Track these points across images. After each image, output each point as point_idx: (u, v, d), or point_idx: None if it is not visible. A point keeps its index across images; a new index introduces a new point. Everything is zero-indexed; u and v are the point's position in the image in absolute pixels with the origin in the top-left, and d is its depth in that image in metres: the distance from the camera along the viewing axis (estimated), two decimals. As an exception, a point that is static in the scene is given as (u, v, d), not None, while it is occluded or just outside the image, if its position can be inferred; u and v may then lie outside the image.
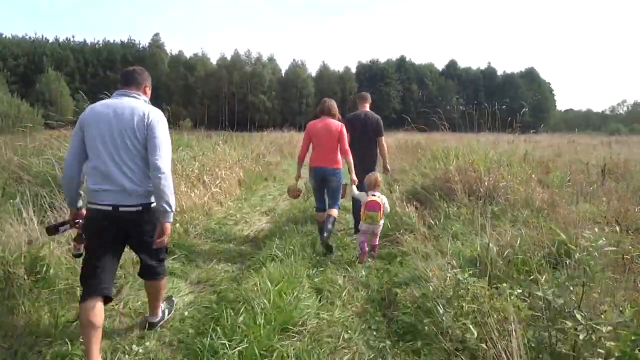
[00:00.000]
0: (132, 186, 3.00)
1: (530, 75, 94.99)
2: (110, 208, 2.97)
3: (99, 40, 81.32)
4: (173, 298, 3.93)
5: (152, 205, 3.09)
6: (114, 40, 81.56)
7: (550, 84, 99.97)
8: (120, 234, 3.08)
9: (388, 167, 6.86)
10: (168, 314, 3.64)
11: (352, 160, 5.50)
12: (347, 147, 5.47)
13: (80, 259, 3.13)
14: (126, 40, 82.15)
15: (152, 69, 73.75)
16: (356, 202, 6.05)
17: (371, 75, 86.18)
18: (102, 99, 3.29)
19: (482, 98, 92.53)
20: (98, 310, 2.87)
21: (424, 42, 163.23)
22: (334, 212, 5.49)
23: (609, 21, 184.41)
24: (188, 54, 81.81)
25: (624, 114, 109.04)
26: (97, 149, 2.99)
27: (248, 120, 69.83)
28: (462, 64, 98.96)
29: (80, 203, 3.23)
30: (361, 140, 6.25)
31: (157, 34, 79.43)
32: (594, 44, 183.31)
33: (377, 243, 5.34)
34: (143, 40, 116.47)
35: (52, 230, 3.26)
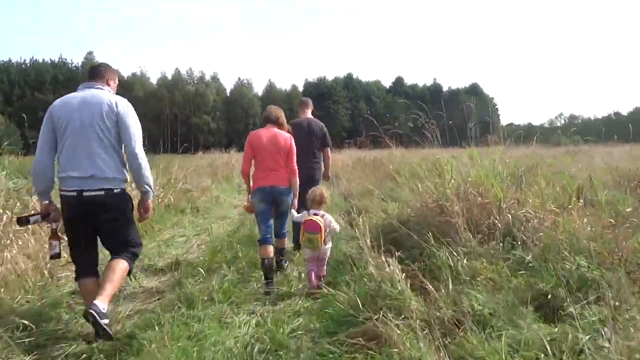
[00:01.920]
0: (99, 172, 3.10)
1: (474, 90, 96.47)
2: (75, 194, 3.09)
3: (25, 60, 74.91)
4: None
5: (116, 192, 3.18)
6: (43, 60, 75.29)
7: (493, 98, 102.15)
8: (87, 220, 3.16)
9: (329, 174, 6.19)
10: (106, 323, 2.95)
11: (298, 182, 4.76)
12: (295, 165, 4.75)
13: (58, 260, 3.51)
14: (57, 60, 76.23)
15: (85, 90, 68.72)
16: (295, 223, 5.20)
17: (319, 94, 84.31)
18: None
19: (429, 114, 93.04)
20: (92, 284, 3.17)
21: (371, 59, 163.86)
22: (284, 242, 5.02)
23: (547, 36, 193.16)
24: (125, 73, 76.99)
25: (560, 126, 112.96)
26: (66, 138, 3.11)
27: (192, 142, 65.90)
28: (408, 80, 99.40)
29: (51, 196, 3.30)
30: (305, 151, 5.27)
31: (90, 52, 74.62)
32: (530, 59, 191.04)
33: (325, 272, 4.43)
34: (75, 59, 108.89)
35: (23, 221, 3.32)
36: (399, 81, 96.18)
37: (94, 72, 3.44)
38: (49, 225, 3.37)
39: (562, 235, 3.95)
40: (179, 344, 2.73)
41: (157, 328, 3.00)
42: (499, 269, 3.58)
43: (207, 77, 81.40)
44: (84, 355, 2.97)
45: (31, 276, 4.06)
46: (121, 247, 3.28)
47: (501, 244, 4.06)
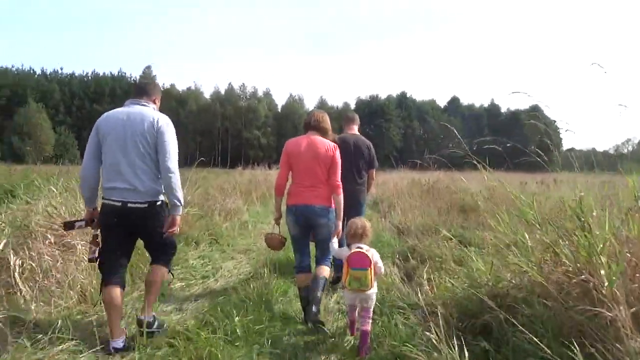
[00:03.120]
0: (141, 185, 3.31)
1: (535, 113, 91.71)
2: (119, 204, 3.30)
3: (87, 73, 77.86)
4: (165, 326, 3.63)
5: (158, 203, 3.42)
6: (103, 73, 77.95)
7: (555, 122, 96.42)
8: (129, 228, 3.40)
9: (373, 189, 5.86)
10: (157, 328, 3.49)
11: (342, 201, 3.93)
12: (339, 180, 3.93)
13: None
14: (116, 73, 78.86)
15: (142, 103, 70.05)
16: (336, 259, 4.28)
17: (371, 111, 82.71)
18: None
19: (486, 136, 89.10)
20: (115, 294, 3.29)
21: (426, 78, 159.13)
22: (325, 270, 3.96)
23: (613, 59, 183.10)
24: (180, 87, 78.38)
25: (627, 153, 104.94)
26: (111, 151, 3.33)
27: (242, 156, 65.68)
28: (464, 100, 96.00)
29: (96, 203, 3.54)
30: (348, 171, 4.50)
31: (148, 67, 76.23)
32: (595, 81, 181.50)
33: (370, 327, 3.33)
34: (134, 72, 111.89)
35: (69, 225, 3.55)
36: (454, 101, 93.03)
37: (141, 89, 3.60)
38: (91, 228, 3.55)
39: None
40: None
41: None
42: None
43: (260, 93, 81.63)
44: None
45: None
46: (161, 250, 3.55)
47: None
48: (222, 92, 79.12)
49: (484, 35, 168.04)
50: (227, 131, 74.88)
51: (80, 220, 3.54)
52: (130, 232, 3.43)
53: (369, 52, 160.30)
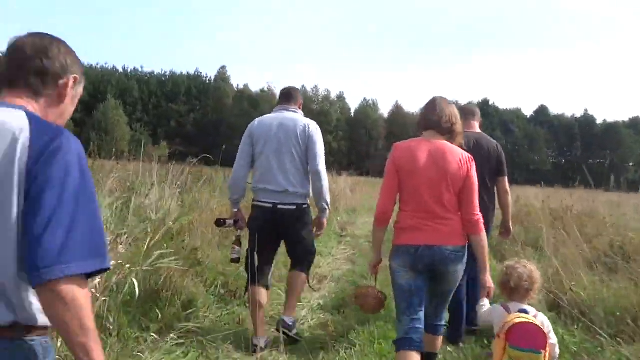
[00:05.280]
0: (291, 188, 3.52)
1: (636, 125, 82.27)
2: (270, 205, 3.53)
3: (166, 72, 79.37)
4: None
5: (304, 207, 3.64)
6: (180, 72, 79.15)
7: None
8: (277, 229, 3.60)
9: (510, 226, 4.24)
10: (295, 334, 3.60)
11: (486, 244, 2.80)
12: (478, 212, 2.72)
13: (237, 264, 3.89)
14: (193, 72, 79.76)
15: (215, 104, 70.43)
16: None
17: (449, 119, 77.74)
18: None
19: (577, 149, 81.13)
20: (262, 294, 3.54)
21: (511, 86, 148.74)
22: (440, 342, 2.94)
23: None
24: (254, 88, 77.47)
25: None
26: (263, 155, 3.57)
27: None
28: (554, 110, 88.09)
29: (240, 205, 3.81)
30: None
31: (223, 67, 75.98)
32: None
33: None
34: (210, 72, 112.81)
35: (221, 222, 3.79)
36: (542, 110, 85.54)
37: (288, 95, 3.84)
38: (235, 230, 3.81)
39: None
40: None
41: None
42: None
43: (333, 96, 79.17)
44: None
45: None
46: (302, 255, 3.69)
47: None
48: (295, 94, 77.59)
49: (573, 41, 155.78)
50: (298, 135, 73.25)
51: (229, 218, 3.77)
52: (278, 234, 3.63)
53: (448, 59, 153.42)
